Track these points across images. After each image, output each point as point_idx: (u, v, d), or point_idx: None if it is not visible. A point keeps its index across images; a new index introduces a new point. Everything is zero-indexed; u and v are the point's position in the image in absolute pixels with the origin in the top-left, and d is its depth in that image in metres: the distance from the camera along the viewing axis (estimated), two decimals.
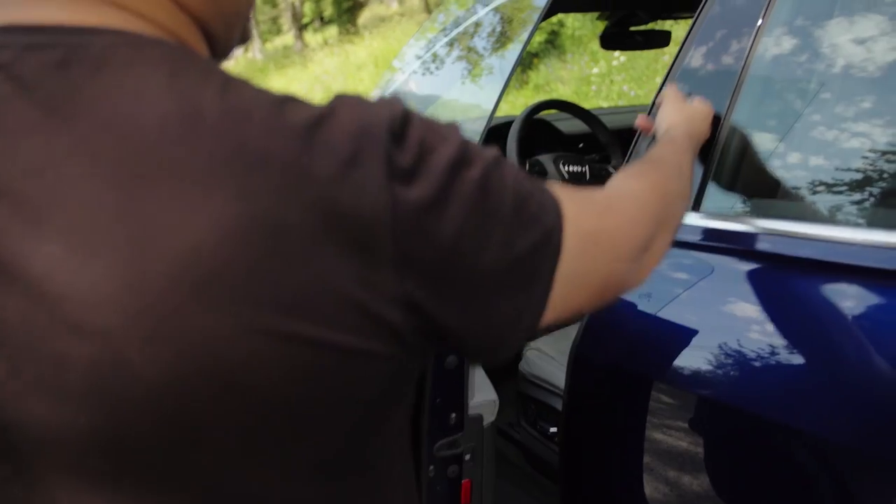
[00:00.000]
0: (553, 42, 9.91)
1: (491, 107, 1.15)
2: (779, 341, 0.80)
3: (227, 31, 0.49)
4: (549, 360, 1.64)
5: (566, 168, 1.81)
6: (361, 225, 0.37)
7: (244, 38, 0.53)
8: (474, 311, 0.43)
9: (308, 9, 30.32)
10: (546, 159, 1.82)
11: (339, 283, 0.37)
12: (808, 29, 0.93)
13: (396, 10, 25.66)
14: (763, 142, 0.97)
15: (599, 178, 1.87)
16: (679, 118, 0.91)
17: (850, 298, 0.77)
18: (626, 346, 1.00)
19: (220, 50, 0.50)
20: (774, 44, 0.95)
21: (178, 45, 0.42)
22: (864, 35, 0.88)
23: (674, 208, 0.66)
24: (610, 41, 2.08)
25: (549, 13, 1.51)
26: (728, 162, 0.97)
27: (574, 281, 0.48)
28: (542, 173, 1.81)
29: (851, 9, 0.91)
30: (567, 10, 2.01)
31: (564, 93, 9.06)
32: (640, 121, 1.01)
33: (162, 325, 0.35)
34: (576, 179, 1.82)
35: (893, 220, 0.79)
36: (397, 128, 0.39)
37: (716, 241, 0.91)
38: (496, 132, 2.01)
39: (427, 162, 0.39)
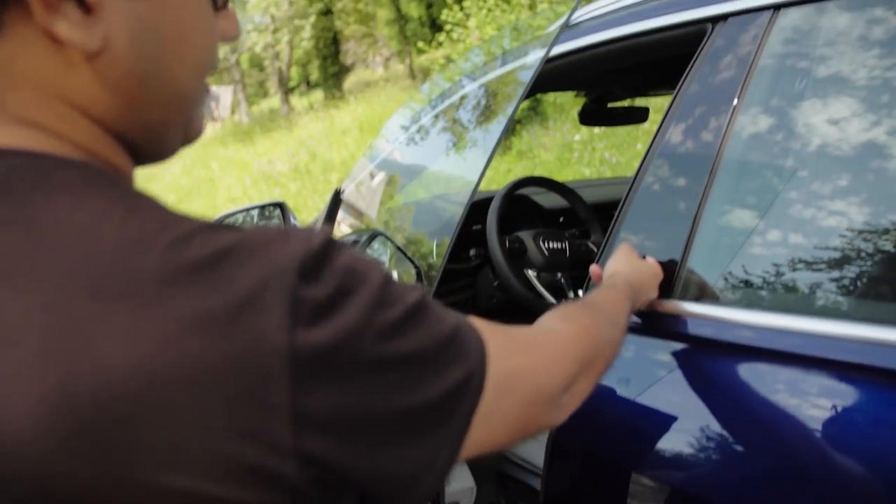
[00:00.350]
0: (535, 109, 10.12)
1: (475, 179, 1.15)
2: (755, 433, 0.79)
3: (153, 141, 0.47)
4: (530, 441, 1.61)
5: (546, 245, 1.82)
6: (256, 374, 0.34)
7: (189, 139, 0.51)
8: (385, 457, 0.40)
9: (295, 73, 30.89)
10: (526, 236, 1.83)
11: (224, 438, 0.34)
12: (783, 109, 0.95)
13: (381, 75, 26.18)
14: (740, 224, 0.98)
15: (579, 254, 1.88)
16: (626, 268, 0.92)
17: (826, 392, 0.77)
18: (603, 432, 0.98)
19: (151, 156, 0.48)
20: (750, 123, 0.96)
21: (88, 167, 0.40)
22: (837, 115, 0.90)
23: (601, 353, 0.66)
24: (588, 117, 2.12)
25: (530, 92, 1.54)
26: (704, 246, 0.97)
27: (493, 420, 0.47)
28: (522, 250, 1.82)
29: (824, 90, 0.93)
30: (546, 91, 2.05)
31: (546, 159, 9.21)
32: (592, 268, 1.02)
33: (29, 468, 0.33)
34: (556, 256, 1.83)
35: (872, 313, 0.80)
36: (310, 266, 0.37)
37: (690, 330, 0.91)
38: (476, 208, 2.03)
39: (341, 303, 0.37)
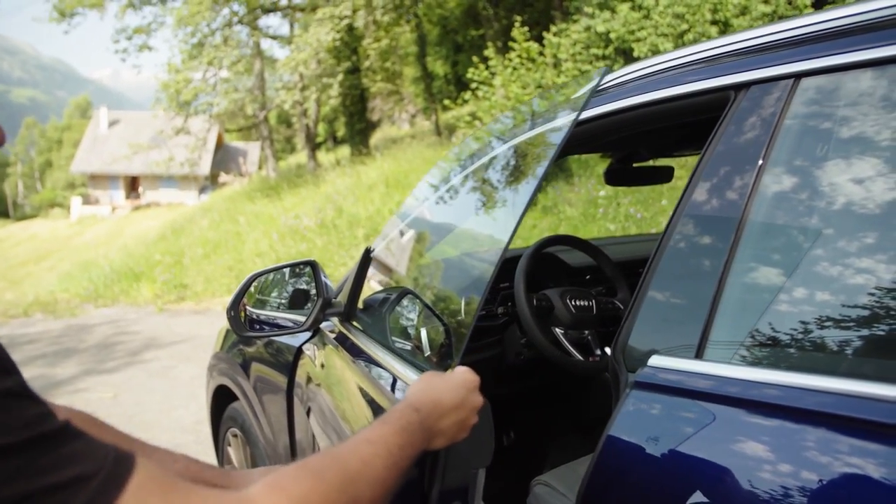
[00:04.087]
0: (561, 166, 10.22)
1: (506, 238, 1.18)
2: (785, 493, 0.79)
3: None
4: (558, 496, 1.60)
5: (573, 302, 1.84)
6: None
7: None
8: None
9: (321, 129, 31.51)
10: (553, 294, 1.86)
11: None
12: (807, 169, 0.97)
13: (407, 131, 26.65)
14: (767, 283, 0.99)
15: (606, 311, 1.89)
16: (417, 387, 0.96)
17: (858, 452, 0.77)
18: (634, 490, 0.98)
19: None
20: (775, 182, 0.98)
21: None
22: (861, 175, 0.91)
23: None
24: (614, 178, 2.16)
25: (560, 154, 1.58)
26: (731, 305, 0.99)
27: None
28: (549, 308, 1.84)
29: (847, 150, 0.95)
30: (574, 153, 2.09)
31: (571, 215, 9.26)
32: None
33: None
34: (583, 313, 1.85)
35: None
36: None
37: (718, 390, 0.91)
38: (503, 266, 2.06)
39: None
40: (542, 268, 2.11)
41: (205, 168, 36.54)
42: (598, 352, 1.84)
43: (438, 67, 23.44)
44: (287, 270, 1.88)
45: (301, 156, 27.02)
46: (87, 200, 42.20)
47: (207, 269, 12.60)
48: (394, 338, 1.43)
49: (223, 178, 34.88)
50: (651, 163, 2.18)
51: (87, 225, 32.63)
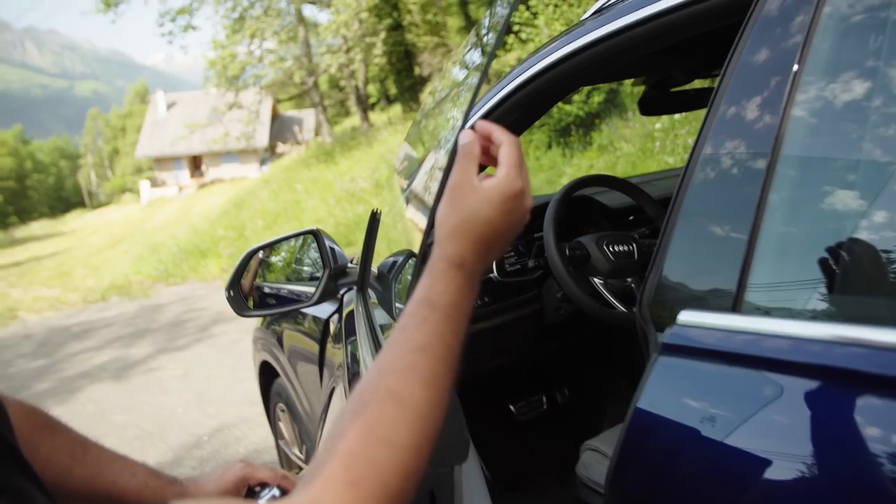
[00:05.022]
0: (613, 101, 9.85)
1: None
2: (847, 472, 0.63)
3: None
4: (607, 462, 1.46)
5: (611, 248, 1.67)
6: None
7: None
8: None
9: (373, 90, 31.38)
10: (588, 241, 1.69)
11: None
12: (854, 72, 0.78)
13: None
14: (816, 214, 0.80)
15: (650, 255, 1.72)
16: (450, 223, 0.67)
17: None
18: (664, 474, 0.83)
19: None
20: (816, 94, 0.79)
21: None
22: None
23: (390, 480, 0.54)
24: (649, 106, 1.94)
25: (570, 87, 1.40)
26: (772, 243, 0.81)
27: None
28: (585, 257, 1.67)
29: None
30: (593, 82, 1.87)
31: (629, 151, 8.92)
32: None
33: None
34: (623, 260, 1.68)
35: None
36: None
37: (760, 350, 0.74)
38: (535, 214, 1.89)
39: None
40: (578, 213, 1.94)
41: (262, 140, 37.02)
42: None
43: (482, 14, 22.83)
44: (293, 241, 1.76)
45: (355, 118, 26.99)
46: (154, 183, 43.47)
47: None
48: (399, 306, 1.29)
49: (280, 148, 35.35)
50: (691, 86, 1.95)
51: (156, 207, 33.60)
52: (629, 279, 1.69)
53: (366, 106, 24.32)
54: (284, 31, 20.37)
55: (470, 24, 22.66)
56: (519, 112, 1.40)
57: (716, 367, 0.79)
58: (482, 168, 0.72)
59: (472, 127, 0.73)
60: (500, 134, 0.70)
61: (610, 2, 1.21)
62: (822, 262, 0.76)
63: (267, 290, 1.80)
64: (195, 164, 43.67)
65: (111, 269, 15.67)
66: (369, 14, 18.79)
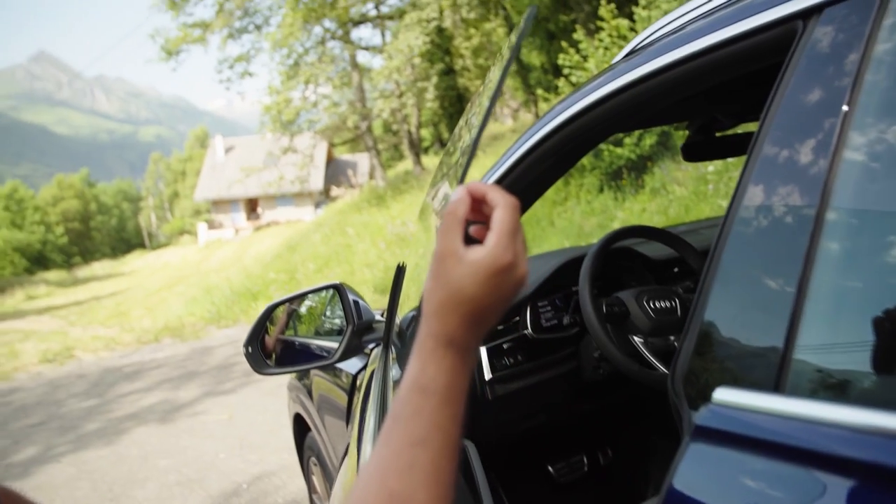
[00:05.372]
0: (665, 144, 9.70)
1: None
2: None
3: None
4: None
5: (652, 304, 1.57)
6: None
7: None
8: None
9: (427, 133, 31.78)
10: (628, 297, 1.59)
11: None
12: None
13: (510, 126, 26.37)
14: (872, 279, 0.70)
15: None
16: (434, 302, 0.61)
17: None
18: None
19: None
20: (866, 135, 0.70)
21: None
22: None
23: None
24: (693, 152, 1.83)
25: (602, 135, 1.32)
26: (820, 313, 0.71)
27: None
28: (624, 314, 1.57)
29: None
30: (628, 129, 1.77)
31: (681, 195, 8.73)
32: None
33: None
34: (665, 316, 1.57)
35: None
36: None
37: (805, 440, 0.64)
38: (570, 268, 1.80)
39: None
40: (618, 265, 1.84)
41: (316, 183, 37.72)
42: None
43: (534, 58, 23.00)
44: (313, 296, 1.70)
45: (408, 162, 27.30)
46: (212, 225, 44.59)
47: (320, 283, 12.86)
48: None
49: (335, 191, 35.88)
50: (737, 130, 1.85)
51: (212, 249, 34.36)
52: (672, 337, 1.58)
53: (418, 150, 24.60)
54: (339, 76, 20.84)
55: (521, 66, 22.83)
56: (549, 161, 1.32)
57: (754, 458, 0.68)
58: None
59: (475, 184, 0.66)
60: (494, 195, 0.63)
61: (642, 43, 1.14)
62: (883, 333, 0.65)
63: (296, 343, 1.74)
64: (251, 206, 44.69)
65: (166, 311, 15.97)
66: (422, 59, 19.08)
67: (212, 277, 19.52)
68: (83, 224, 74.39)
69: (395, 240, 13.26)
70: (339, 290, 1.55)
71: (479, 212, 0.64)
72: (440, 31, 19.50)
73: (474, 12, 18.49)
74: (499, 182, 1.34)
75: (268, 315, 1.58)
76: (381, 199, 18.75)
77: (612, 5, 10.44)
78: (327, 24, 20.39)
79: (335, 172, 42.82)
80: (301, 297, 1.66)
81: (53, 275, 47.64)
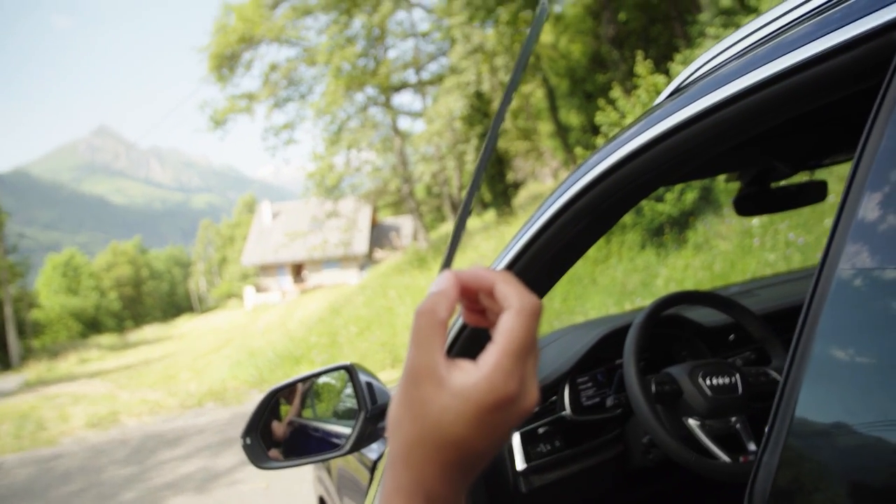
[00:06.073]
0: (707, 198, 9.46)
1: None
2: None
3: None
4: None
5: (708, 381, 1.36)
6: None
7: None
8: None
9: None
10: (679, 372, 1.39)
11: None
12: None
13: (550, 186, 26.30)
14: None
15: (757, 387, 1.39)
16: (402, 440, 0.44)
17: None
18: None
19: None
20: None
21: None
22: None
23: None
24: (747, 206, 1.64)
25: (644, 189, 1.15)
26: None
27: None
28: (676, 393, 1.37)
29: None
30: (674, 182, 1.58)
31: (725, 249, 8.44)
32: None
33: None
34: (724, 395, 1.36)
35: None
36: None
37: None
38: (613, 339, 1.61)
39: None
40: (667, 334, 1.64)
41: (360, 247, 38.02)
42: (753, 447, 1.34)
43: (573, 118, 23.06)
44: (316, 380, 1.53)
45: (450, 223, 27.36)
46: (259, 289, 45.10)
47: (361, 346, 12.70)
48: None
49: (378, 253, 36.08)
50: (794, 180, 1.66)
51: (259, 313, 34.63)
52: (733, 419, 1.36)
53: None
54: (381, 141, 21.15)
55: (560, 128, 22.88)
56: (584, 221, 1.16)
57: None
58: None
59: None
60: (506, 290, 0.45)
61: (690, 78, 0.97)
62: None
63: (309, 428, 1.55)
64: (297, 270, 45.16)
65: (212, 374, 15.98)
66: (461, 122, 19.27)
67: (256, 341, 19.55)
68: (135, 289, 76.09)
69: None
70: (349, 371, 1.38)
71: (475, 304, 0.47)
72: (479, 95, 19.70)
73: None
74: (521, 253, 1.18)
75: (268, 402, 1.42)
76: (423, 260, 18.69)
77: (649, 61, 10.38)
78: (369, 91, 20.81)
79: (379, 235, 43.18)
80: (307, 380, 1.49)
81: (106, 338, 48.66)
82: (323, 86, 20.58)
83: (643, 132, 0.96)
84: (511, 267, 1.22)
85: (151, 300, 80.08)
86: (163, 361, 23.67)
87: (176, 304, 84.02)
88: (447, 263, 0.55)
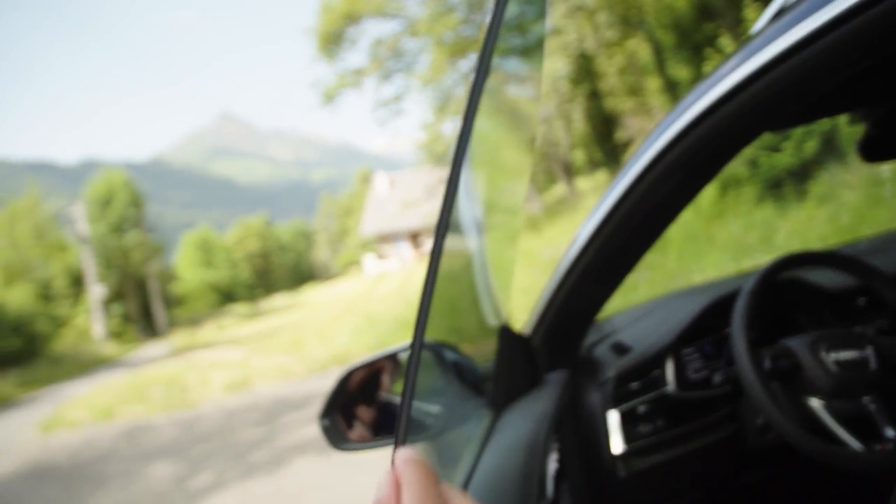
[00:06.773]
0: (830, 144, 8.67)
1: None
2: None
3: None
4: None
5: (833, 355, 1.18)
6: None
7: None
8: None
9: (580, 155, 31.17)
10: (799, 345, 1.20)
11: None
12: None
13: None
14: None
15: (894, 362, 1.20)
16: None
17: None
18: None
19: None
20: None
21: None
22: None
23: None
24: (871, 150, 1.39)
25: (746, 135, 0.98)
26: None
27: None
28: (794, 368, 1.19)
29: None
30: (782, 126, 1.34)
31: (852, 200, 7.73)
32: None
33: None
34: (853, 371, 1.17)
35: None
36: None
37: None
38: (722, 307, 1.44)
39: None
40: (784, 301, 1.45)
41: None
42: (890, 431, 1.15)
43: (681, 72, 21.86)
44: (396, 358, 1.43)
45: (562, 185, 26.84)
46: (379, 256, 46.25)
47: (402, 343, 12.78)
48: None
49: None
50: None
51: (379, 280, 35.51)
52: (865, 398, 1.18)
53: (570, 173, 24.16)
54: None
55: (668, 83, 21.81)
56: (677, 178, 1.02)
57: None
58: None
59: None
60: None
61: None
62: None
63: (392, 408, 1.47)
64: (414, 237, 45.85)
65: (335, 340, 16.54)
66: (567, 82, 18.80)
67: (376, 307, 20.04)
68: (264, 261, 79.88)
69: (550, 263, 12.94)
70: (434, 351, 1.27)
71: None
72: (582, 55, 19.13)
73: (612, 31, 18.03)
74: (610, 216, 1.05)
75: (345, 382, 1.35)
76: (535, 224, 18.45)
77: (758, 5, 9.63)
78: (472, 58, 20.61)
79: None
80: (384, 360, 1.39)
81: (240, 307, 51.99)
82: (427, 56, 20.57)
83: (739, 66, 0.81)
84: (594, 237, 1.10)
85: (279, 270, 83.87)
86: (291, 328, 24.78)
87: (302, 274, 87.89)
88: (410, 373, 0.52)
